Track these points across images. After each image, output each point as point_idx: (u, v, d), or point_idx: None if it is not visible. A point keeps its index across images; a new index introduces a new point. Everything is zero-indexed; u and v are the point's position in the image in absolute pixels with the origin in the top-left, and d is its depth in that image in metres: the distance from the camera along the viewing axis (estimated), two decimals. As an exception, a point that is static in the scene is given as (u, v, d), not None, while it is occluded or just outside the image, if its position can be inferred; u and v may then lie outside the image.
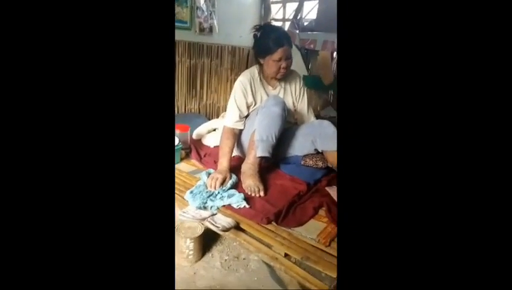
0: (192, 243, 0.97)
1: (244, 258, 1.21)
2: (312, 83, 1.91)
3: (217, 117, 2.29)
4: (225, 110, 2.27)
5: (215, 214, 1.00)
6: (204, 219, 0.95)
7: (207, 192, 1.09)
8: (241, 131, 1.37)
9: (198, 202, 1.02)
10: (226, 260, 1.20)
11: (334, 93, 2.27)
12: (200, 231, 1.07)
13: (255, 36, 1.35)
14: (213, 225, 0.91)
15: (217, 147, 1.66)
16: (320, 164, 1.31)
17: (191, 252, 0.99)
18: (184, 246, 0.96)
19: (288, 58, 1.29)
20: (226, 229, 0.92)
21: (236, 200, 1.04)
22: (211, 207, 1.02)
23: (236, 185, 1.20)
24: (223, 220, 0.94)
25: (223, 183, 1.15)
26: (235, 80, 2.33)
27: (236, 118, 1.34)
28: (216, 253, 1.23)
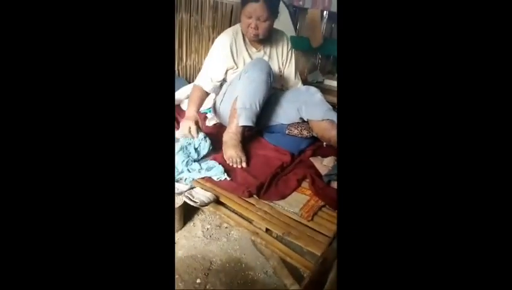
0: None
1: (226, 227, 1.20)
2: (299, 44, 1.78)
3: (198, 80, 2.15)
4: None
5: (193, 187, 0.95)
6: (181, 193, 0.90)
7: (184, 161, 1.02)
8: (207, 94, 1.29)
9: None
10: (207, 229, 1.18)
11: (323, 56, 2.16)
12: (180, 201, 1.03)
13: None
14: (191, 199, 0.86)
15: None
16: (305, 133, 1.26)
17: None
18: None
19: (260, 18, 1.13)
20: (205, 204, 0.87)
21: (216, 172, 0.99)
22: (185, 179, 0.97)
23: (212, 153, 1.14)
24: (201, 195, 0.89)
25: (197, 129, 1.10)
26: (215, 39, 2.17)
27: (206, 80, 1.25)
28: (198, 222, 1.21)
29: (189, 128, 1.10)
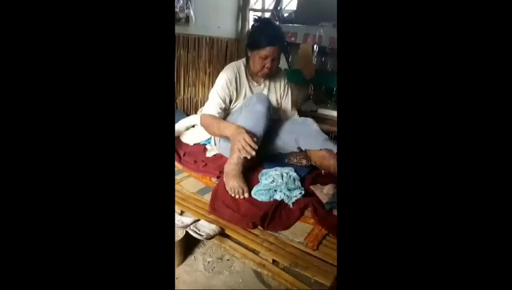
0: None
1: (228, 259, 1.18)
2: (294, 77, 1.87)
3: (195, 112, 2.20)
4: (203, 105, 2.20)
5: (198, 220, 0.95)
6: (187, 226, 0.90)
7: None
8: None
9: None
10: (209, 262, 1.16)
11: (315, 87, 2.26)
12: (181, 234, 1.03)
13: (252, 27, 1.31)
14: (196, 233, 0.86)
15: (196, 144, 1.60)
16: (304, 162, 1.30)
17: (173, 260, 0.94)
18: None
19: (275, 59, 1.25)
20: (211, 237, 0.87)
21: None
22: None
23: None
24: (206, 227, 0.90)
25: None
26: (213, 72, 2.26)
27: (216, 108, 1.28)
28: (199, 255, 1.19)
29: (244, 139, 1.06)
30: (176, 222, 0.92)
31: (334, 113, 2.09)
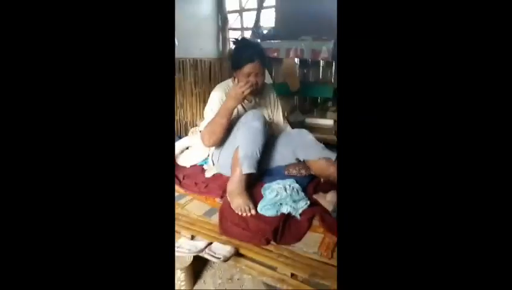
0: (183, 274, 0.91)
1: (238, 279, 1.17)
2: (280, 90, 1.93)
3: (186, 133, 2.20)
4: (193, 125, 2.20)
5: (211, 243, 0.95)
6: (201, 251, 0.90)
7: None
8: None
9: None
10: (219, 283, 1.15)
11: (300, 98, 2.33)
12: (189, 259, 1.01)
13: (233, 48, 1.34)
14: (213, 256, 0.86)
15: (193, 166, 1.59)
16: (303, 172, 1.32)
17: (183, 283, 0.92)
18: (175, 278, 0.90)
19: (258, 74, 1.28)
20: (227, 258, 0.87)
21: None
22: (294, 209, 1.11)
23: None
24: (221, 249, 0.89)
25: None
26: (199, 93, 2.29)
27: None
28: (208, 278, 1.17)
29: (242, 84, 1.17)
30: (189, 247, 0.91)
31: (321, 121, 2.16)
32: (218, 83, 2.45)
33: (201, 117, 2.24)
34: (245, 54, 1.26)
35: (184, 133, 2.21)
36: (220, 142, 1.31)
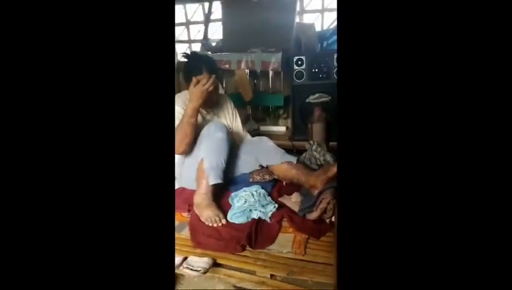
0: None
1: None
2: (235, 100, 1.97)
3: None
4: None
5: (186, 257, 0.93)
6: (178, 266, 0.87)
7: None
8: None
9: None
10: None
11: (252, 107, 2.41)
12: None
13: (184, 63, 1.35)
14: (192, 269, 0.84)
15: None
16: (267, 177, 1.38)
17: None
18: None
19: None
20: (206, 270, 0.86)
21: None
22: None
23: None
24: (199, 261, 0.88)
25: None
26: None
27: None
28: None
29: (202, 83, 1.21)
30: (165, 265, 0.88)
31: (275, 128, 2.26)
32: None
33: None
34: (197, 66, 1.29)
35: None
36: (191, 148, 1.29)
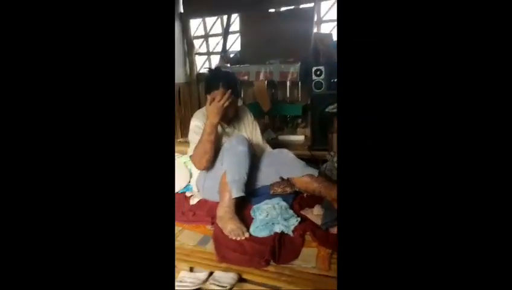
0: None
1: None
2: (254, 111, 2.00)
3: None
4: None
5: (212, 273, 0.94)
6: (205, 282, 0.89)
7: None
8: None
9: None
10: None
11: (270, 116, 2.43)
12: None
13: (206, 76, 1.42)
14: (218, 285, 0.85)
15: (177, 194, 1.56)
16: (288, 189, 1.38)
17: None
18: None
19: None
20: (232, 286, 0.87)
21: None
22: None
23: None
24: (225, 277, 0.90)
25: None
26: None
27: None
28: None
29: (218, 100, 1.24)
30: (192, 280, 0.90)
31: (293, 138, 2.27)
32: (188, 106, 2.46)
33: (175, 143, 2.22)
34: (215, 82, 1.32)
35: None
36: (212, 164, 1.32)
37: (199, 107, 2.47)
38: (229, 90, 1.26)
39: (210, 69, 1.46)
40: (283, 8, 2.23)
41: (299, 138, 2.24)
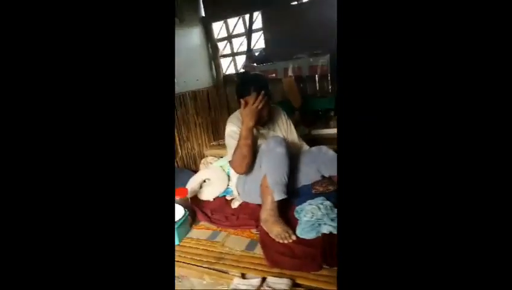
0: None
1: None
2: (286, 109, 1.97)
3: (195, 164, 2.19)
4: (201, 157, 2.19)
5: (265, 278, 0.94)
6: (259, 288, 0.88)
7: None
8: None
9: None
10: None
11: (300, 112, 2.38)
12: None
13: (238, 82, 1.42)
14: (274, 292, 0.85)
15: (217, 198, 1.58)
16: (331, 188, 1.34)
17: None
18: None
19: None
20: (288, 292, 0.86)
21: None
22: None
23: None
24: (279, 283, 0.89)
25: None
26: (202, 123, 2.30)
27: None
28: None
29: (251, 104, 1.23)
30: (246, 287, 0.90)
31: (326, 131, 2.20)
32: (217, 109, 2.48)
33: (207, 147, 2.25)
34: (245, 88, 1.31)
35: (194, 165, 2.20)
36: (251, 168, 1.32)
37: (228, 109, 2.51)
38: (262, 92, 1.24)
39: (238, 74, 1.45)
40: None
41: (332, 131, 2.17)
